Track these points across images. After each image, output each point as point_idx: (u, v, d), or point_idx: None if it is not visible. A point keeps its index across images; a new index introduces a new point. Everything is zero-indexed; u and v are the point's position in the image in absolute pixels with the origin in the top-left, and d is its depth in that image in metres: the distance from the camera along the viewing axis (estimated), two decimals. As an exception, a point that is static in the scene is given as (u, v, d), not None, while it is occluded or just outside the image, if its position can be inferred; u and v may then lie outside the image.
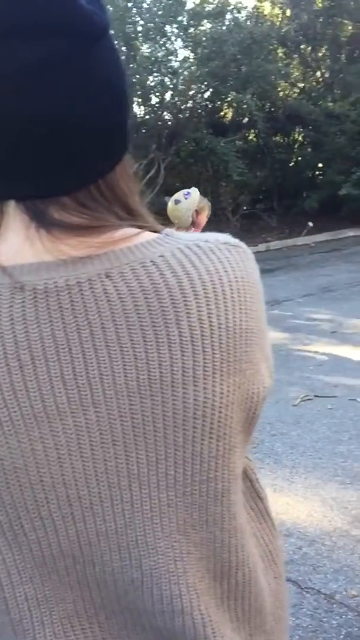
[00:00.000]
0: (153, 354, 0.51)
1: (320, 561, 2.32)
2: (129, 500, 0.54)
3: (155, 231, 0.56)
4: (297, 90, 11.66)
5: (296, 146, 12.39)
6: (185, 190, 4.37)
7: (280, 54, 11.14)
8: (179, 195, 4.26)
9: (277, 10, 11.25)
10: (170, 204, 4.26)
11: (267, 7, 11.27)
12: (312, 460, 3.12)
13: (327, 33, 10.51)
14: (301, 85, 11.71)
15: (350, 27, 10.37)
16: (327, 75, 11.17)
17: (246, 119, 11.12)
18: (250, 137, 12.03)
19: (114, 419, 0.52)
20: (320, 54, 11.03)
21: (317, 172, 12.21)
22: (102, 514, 0.54)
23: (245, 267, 0.56)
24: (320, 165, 11.98)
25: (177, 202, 4.20)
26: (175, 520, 0.56)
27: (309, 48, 10.95)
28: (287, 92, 11.57)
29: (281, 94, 11.20)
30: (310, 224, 10.20)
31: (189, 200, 4.22)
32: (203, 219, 4.29)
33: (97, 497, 0.54)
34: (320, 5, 10.31)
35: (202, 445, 0.55)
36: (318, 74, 11.66)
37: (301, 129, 11.63)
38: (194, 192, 4.27)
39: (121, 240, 0.53)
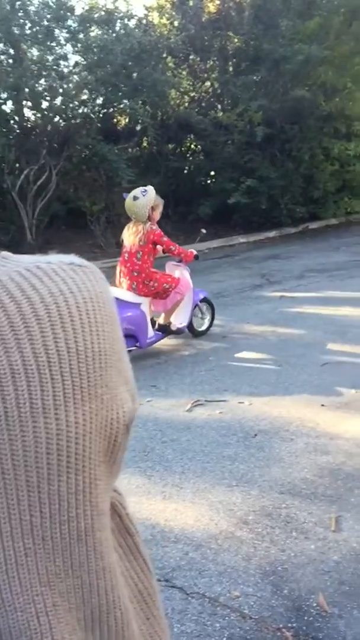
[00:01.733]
0: None
1: (205, 565, 2.36)
2: None
3: None
4: (188, 100, 11.90)
5: (189, 154, 12.63)
6: (142, 188, 4.83)
7: (170, 64, 11.33)
8: (136, 192, 4.77)
9: (165, 21, 11.43)
10: (129, 200, 4.77)
11: (155, 17, 11.42)
12: (201, 464, 3.17)
13: (214, 45, 10.82)
14: (192, 94, 11.96)
15: (236, 40, 10.73)
16: (215, 86, 11.48)
17: (139, 127, 11.19)
18: (144, 145, 12.12)
19: None
20: (208, 65, 11.33)
21: (209, 180, 12.53)
22: None
23: (93, 288, 0.54)
24: (212, 173, 12.31)
25: (135, 198, 4.72)
26: (36, 571, 0.51)
27: (198, 59, 11.22)
28: (178, 102, 11.78)
29: (172, 103, 11.38)
30: (204, 230, 10.35)
31: (146, 197, 4.73)
32: (157, 214, 4.90)
33: None
34: (206, 17, 10.59)
35: (59, 482, 0.51)
36: (207, 84, 11.96)
37: (192, 138, 11.88)
38: (151, 190, 4.82)
39: None
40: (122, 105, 10.66)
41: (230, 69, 11.19)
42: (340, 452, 3.20)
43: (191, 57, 11.27)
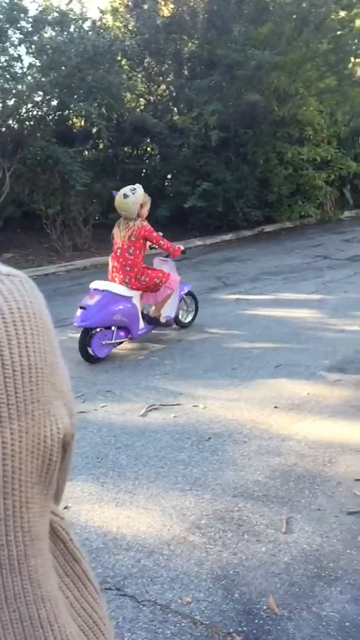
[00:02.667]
0: None
1: (157, 572, 2.35)
2: None
3: None
4: (144, 103, 11.89)
5: (145, 157, 12.62)
6: (131, 186, 5.09)
7: (125, 67, 11.30)
8: (126, 190, 5.03)
9: (118, 24, 11.40)
10: (119, 197, 5.04)
11: (109, 20, 11.37)
12: (155, 469, 3.17)
13: (168, 49, 10.85)
14: (147, 98, 11.96)
15: (190, 44, 10.79)
16: (171, 89, 11.51)
17: (95, 129, 11.12)
18: (100, 147, 12.05)
19: None
20: (163, 69, 11.35)
21: (166, 183, 12.54)
22: None
23: (22, 297, 0.51)
24: (169, 176, 12.33)
25: (125, 196, 4.99)
26: None
27: (153, 62, 11.23)
28: (133, 105, 11.76)
29: (128, 105, 11.35)
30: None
31: (135, 195, 4.99)
32: (145, 211, 5.14)
33: None
34: (160, 21, 10.61)
35: None
36: (163, 87, 11.98)
37: (149, 141, 11.88)
38: (139, 188, 5.08)
39: None
40: (77, 108, 10.56)
41: (186, 72, 11.24)
42: (292, 454, 3.24)
43: (146, 60, 11.26)
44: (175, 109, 11.54)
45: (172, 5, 10.97)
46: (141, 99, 11.92)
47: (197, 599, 2.19)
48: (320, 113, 11.20)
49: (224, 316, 6.12)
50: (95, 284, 5.08)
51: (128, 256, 5.04)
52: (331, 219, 11.97)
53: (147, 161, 12.39)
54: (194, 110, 9.80)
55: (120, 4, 11.84)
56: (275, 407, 3.87)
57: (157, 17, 10.83)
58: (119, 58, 11.06)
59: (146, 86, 11.67)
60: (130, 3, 11.40)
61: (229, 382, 4.36)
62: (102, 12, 11.22)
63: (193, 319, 5.87)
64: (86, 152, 11.81)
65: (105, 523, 2.70)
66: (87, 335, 4.89)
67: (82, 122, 11.47)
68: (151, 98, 11.72)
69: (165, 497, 2.89)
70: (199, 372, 4.59)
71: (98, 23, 10.91)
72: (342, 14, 15.32)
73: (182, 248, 5.50)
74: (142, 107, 11.85)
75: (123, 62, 11.32)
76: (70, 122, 11.71)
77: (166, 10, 11.12)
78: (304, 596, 2.17)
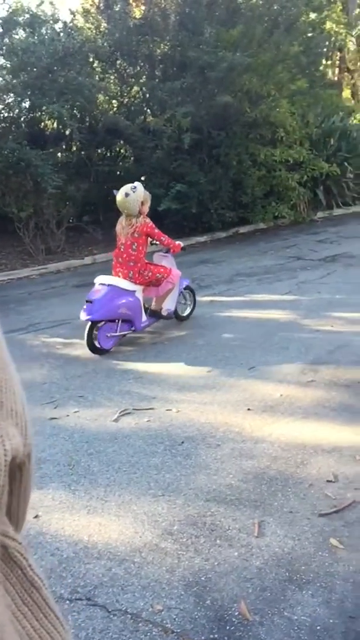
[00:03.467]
0: None
1: (128, 580, 2.32)
2: None
3: None
4: (117, 104, 11.84)
5: (119, 159, 12.56)
6: (132, 185, 5.28)
7: (97, 68, 11.24)
8: (127, 189, 5.21)
9: (90, 25, 11.34)
10: (120, 196, 5.22)
11: (81, 21, 11.31)
12: (127, 475, 3.14)
13: (140, 50, 10.82)
14: (120, 99, 11.91)
15: (162, 46, 10.77)
16: (144, 90, 11.48)
17: (68, 131, 11.04)
18: (73, 149, 11.96)
19: None
20: (136, 71, 11.31)
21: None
22: None
23: None
24: (142, 178, 12.29)
25: (126, 195, 5.18)
26: None
27: (125, 64, 11.18)
28: (106, 106, 11.70)
29: (100, 107, 11.28)
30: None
31: (136, 193, 5.20)
32: (146, 208, 5.35)
33: None
34: (131, 23, 10.57)
35: None
36: (136, 89, 11.94)
37: (122, 143, 11.83)
38: (139, 186, 5.30)
39: None
40: (50, 110, 10.47)
41: (158, 74, 11.22)
42: (264, 456, 3.23)
43: (118, 62, 11.21)
44: (148, 110, 11.51)
45: (143, 7, 10.94)
46: (114, 101, 11.86)
47: (168, 607, 2.17)
48: (292, 115, 11.26)
49: (199, 318, 6.11)
50: (101, 279, 5.29)
51: (131, 252, 5.26)
52: (304, 219, 12.05)
53: (120, 163, 12.33)
54: (166, 112, 9.79)
55: (91, 5, 11.79)
56: (249, 409, 3.87)
57: (128, 19, 10.79)
58: (90, 60, 11.00)
59: (119, 88, 11.61)
60: (101, 5, 11.35)
61: (203, 384, 4.35)
62: (73, 13, 11.14)
63: (191, 313, 6.12)
64: (59, 154, 11.72)
65: (76, 531, 2.66)
66: (93, 328, 5.11)
67: (55, 124, 11.39)
68: (124, 100, 11.67)
69: (138, 503, 2.87)
70: (173, 376, 4.57)
71: (69, 24, 10.85)
72: (313, 16, 15.53)
73: (182, 244, 5.77)
74: (115, 108, 11.79)
75: (95, 64, 11.26)
76: (43, 124, 11.61)
77: (137, 12, 11.10)
78: (276, 601, 2.16)
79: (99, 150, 12.11)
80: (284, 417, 3.71)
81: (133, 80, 11.70)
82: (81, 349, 5.34)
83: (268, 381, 4.32)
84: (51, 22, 10.96)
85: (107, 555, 2.48)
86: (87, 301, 5.10)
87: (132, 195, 5.17)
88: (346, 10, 17.97)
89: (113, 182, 11.80)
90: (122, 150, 12.43)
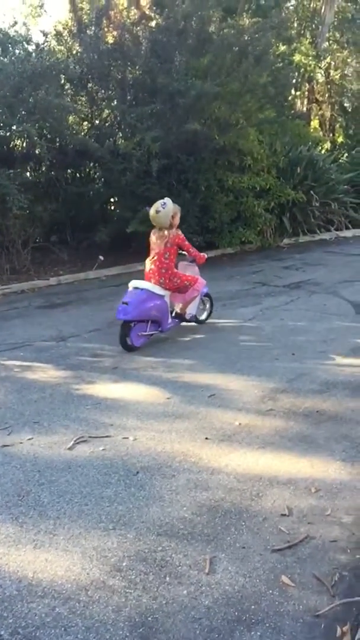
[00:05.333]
0: None
1: (72, 620, 2.23)
2: None
3: None
4: (87, 126, 11.85)
5: (88, 181, 12.54)
6: (161, 201, 5.96)
7: (69, 90, 11.25)
8: (157, 206, 5.90)
9: (62, 47, 11.38)
10: (152, 212, 5.92)
11: (54, 43, 11.34)
12: (79, 507, 3.05)
13: (112, 74, 10.88)
14: (92, 121, 11.93)
15: (133, 71, 10.85)
16: (115, 114, 11.53)
17: (37, 151, 10.99)
18: (42, 170, 11.89)
19: None
20: (107, 94, 11.36)
21: (109, 207, 12.49)
22: None
23: None
24: (112, 200, 12.28)
25: (157, 211, 5.86)
26: None
27: (97, 87, 11.23)
28: (77, 128, 11.70)
29: (71, 129, 11.27)
30: (101, 257, 10.35)
31: (166, 209, 5.87)
32: (177, 220, 6.04)
33: None
34: (104, 47, 10.64)
35: None
36: (107, 111, 11.98)
37: (92, 164, 11.81)
38: (169, 201, 5.97)
39: None
40: (19, 129, 10.42)
41: (129, 98, 11.29)
42: (220, 488, 3.18)
43: (89, 84, 11.25)
44: (120, 133, 11.55)
45: (115, 32, 11.04)
46: (85, 122, 11.87)
47: (112, 649, 2.08)
48: (260, 143, 11.44)
49: (161, 343, 6.07)
50: (135, 283, 5.88)
51: (164, 260, 5.91)
52: (271, 245, 12.19)
53: (90, 184, 12.31)
54: (136, 136, 9.82)
55: (64, 28, 11.85)
56: (207, 438, 3.82)
57: (100, 43, 10.86)
58: (62, 82, 11.02)
59: (89, 110, 11.64)
60: (74, 28, 11.42)
61: (162, 411, 4.29)
62: (45, 35, 11.17)
63: (207, 317, 6.79)
64: (28, 174, 11.63)
65: (21, 567, 2.56)
66: (127, 327, 5.69)
67: (24, 144, 11.32)
68: (96, 121, 11.69)
69: (87, 537, 2.78)
70: (132, 402, 4.50)
71: (42, 46, 10.86)
72: (283, 48, 15.93)
73: (206, 256, 6.49)
74: (85, 130, 11.80)
75: (67, 86, 11.28)
76: (12, 143, 11.53)
77: (110, 37, 11.18)
78: (223, 643, 2.10)
79: (69, 171, 12.07)
80: (241, 447, 3.67)
81: (104, 103, 11.74)
82: (40, 373, 5.24)
83: (227, 409, 4.28)
84: (24, 43, 10.98)
85: (52, 594, 2.39)
86: (122, 302, 5.65)
87: (163, 211, 5.84)
88: (315, 43, 18.48)
89: (81, 204, 11.79)
90: (91, 172, 12.42)
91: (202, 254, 6.37)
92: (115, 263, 10.76)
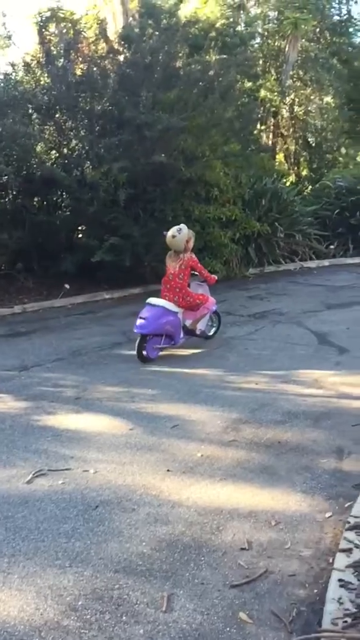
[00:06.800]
0: None
1: (23, 665, 2.16)
2: None
3: None
4: (55, 156, 11.90)
5: (56, 209, 12.54)
6: (177, 227, 6.63)
7: (36, 120, 11.31)
8: (173, 231, 6.54)
9: (30, 78, 11.46)
10: (169, 238, 6.56)
11: (21, 74, 11.43)
12: (35, 544, 2.97)
13: (79, 105, 10.99)
14: (60, 150, 11.99)
15: (101, 102, 10.98)
16: (83, 144, 11.62)
17: (4, 179, 10.97)
18: (9, 198, 11.85)
19: None
20: (74, 125, 11.45)
21: (75, 235, 12.48)
22: None
23: None
24: (79, 228, 12.28)
25: (174, 236, 6.49)
26: None
27: (64, 117, 11.32)
28: (44, 156, 11.73)
29: (38, 158, 11.30)
30: (67, 286, 10.30)
31: (181, 234, 6.49)
32: (191, 245, 6.64)
33: None
34: (72, 79, 10.76)
35: None
36: (75, 142, 12.06)
37: (59, 193, 11.83)
38: (184, 227, 6.65)
39: None
40: (-14, 157, 10.40)
41: (97, 128, 11.40)
42: (180, 522, 3.15)
43: (57, 115, 11.33)
44: (88, 162, 11.62)
45: (83, 65, 11.19)
46: (53, 151, 11.92)
47: None
48: (226, 175, 11.65)
49: (125, 373, 6.03)
50: (152, 300, 6.49)
51: (178, 280, 6.53)
52: (237, 275, 12.32)
53: (57, 213, 12.30)
54: (104, 166, 9.90)
55: (32, 59, 11.96)
56: (168, 470, 3.79)
57: (69, 75, 10.98)
58: (29, 111, 11.08)
59: (57, 139, 11.70)
60: (42, 60, 11.53)
61: (124, 443, 4.25)
62: (13, 65, 11.26)
63: (215, 333, 7.37)
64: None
65: (-28, 609, 2.47)
66: (143, 340, 6.26)
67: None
68: (64, 150, 11.75)
69: (43, 575, 2.70)
70: (94, 433, 4.44)
71: (9, 76, 10.94)
72: (249, 84, 16.38)
73: (216, 278, 7.14)
74: (53, 159, 11.84)
75: (34, 116, 11.33)
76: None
77: (79, 70, 11.32)
78: None
79: (36, 199, 12.06)
80: (202, 479, 3.64)
81: (72, 133, 11.83)
82: (0, 404, 5.14)
83: (189, 440, 4.26)
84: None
85: (4, 636, 2.31)
86: (140, 318, 6.22)
87: (178, 236, 6.47)
88: (279, 79, 19.04)
89: (48, 232, 11.77)
90: (59, 201, 12.43)
91: (213, 275, 7.02)
92: (81, 291, 10.72)
